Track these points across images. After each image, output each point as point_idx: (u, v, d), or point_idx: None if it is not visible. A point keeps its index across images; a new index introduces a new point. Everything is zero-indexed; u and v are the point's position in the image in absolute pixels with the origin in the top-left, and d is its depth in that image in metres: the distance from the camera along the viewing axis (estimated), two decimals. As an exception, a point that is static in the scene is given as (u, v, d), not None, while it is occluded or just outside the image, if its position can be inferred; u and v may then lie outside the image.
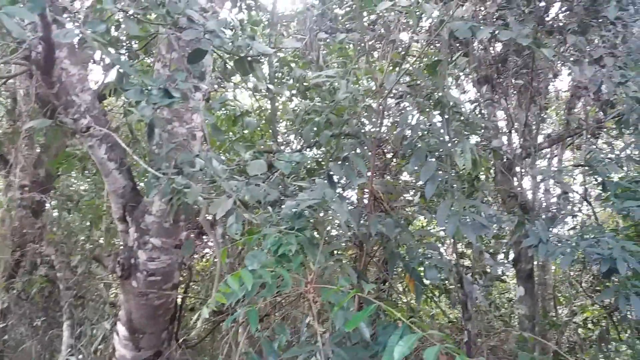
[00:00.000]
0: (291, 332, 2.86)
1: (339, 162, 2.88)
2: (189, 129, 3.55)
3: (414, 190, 4.04)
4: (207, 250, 5.35)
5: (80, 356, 4.31)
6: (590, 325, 4.36)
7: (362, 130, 3.26)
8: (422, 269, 2.87)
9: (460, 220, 2.43)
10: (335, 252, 3.07)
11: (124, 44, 4.47)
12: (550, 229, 2.82)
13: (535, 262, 4.29)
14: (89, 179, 5.38)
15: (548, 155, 5.45)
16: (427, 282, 3.08)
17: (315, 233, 2.52)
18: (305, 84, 3.86)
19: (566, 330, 4.36)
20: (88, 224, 5.02)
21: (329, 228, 2.42)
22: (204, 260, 5.30)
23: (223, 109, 4.19)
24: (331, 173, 2.83)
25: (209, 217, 3.54)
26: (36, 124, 3.29)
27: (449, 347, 1.78)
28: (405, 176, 4.75)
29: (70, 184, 5.58)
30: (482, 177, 4.04)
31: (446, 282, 4.54)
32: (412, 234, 2.93)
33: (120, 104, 4.91)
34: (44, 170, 5.39)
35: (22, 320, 4.70)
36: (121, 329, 3.65)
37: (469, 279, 3.07)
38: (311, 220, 2.38)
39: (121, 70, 2.64)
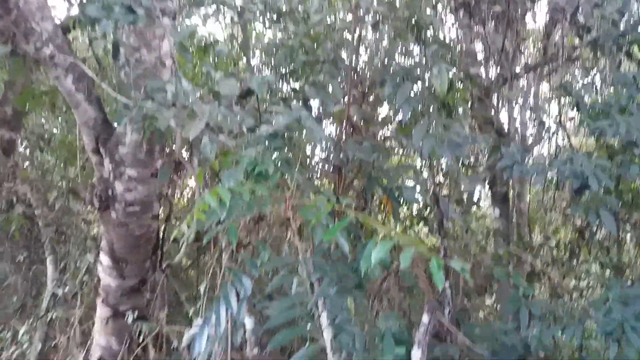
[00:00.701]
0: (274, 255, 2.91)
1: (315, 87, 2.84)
2: (157, 57, 3.44)
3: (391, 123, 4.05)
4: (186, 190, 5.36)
5: (67, 288, 4.38)
6: (562, 248, 4.59)
7: (338, 58, 3.20)
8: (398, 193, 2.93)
9: (436, 140, 2.46)
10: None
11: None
12: (526, 152, 2.87)
13: (511, 189, 4.42)
14: (59, 117, 5.23)
15: (525, 85, 5.47)
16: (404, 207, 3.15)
17: (291, 155, 2.52)
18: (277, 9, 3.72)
19: (540, 253, 4.58)
20: (62, 162, 4.93)
21: (306, 148, 2.42)
22: (185, 199, 5.32)
23: (193, 38, 4.04)
24: (307, 97, 2.80)
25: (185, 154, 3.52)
26: (-5, 51, 3.14)
27: (423, 251, 1.85)
28: (384, 109, 4.75)
29: (40, 123, 5.43)
30: (460, 106, 4.05)
31: (424, 211, 4.67)
32: (389, 156, 2.95)
33: (85, 36, 4.70)
34: (11, 108, 5.20)
35: (4, 257, 4.72)
36: (104, 258, 3.70)
37: (445, 199, 3.15)
38: (286, 142, 2.37)
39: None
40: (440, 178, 4.17)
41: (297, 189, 2.47)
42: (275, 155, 2.25)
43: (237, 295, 2.55)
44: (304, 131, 2.38)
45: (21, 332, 4.35)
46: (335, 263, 2.73)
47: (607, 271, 4.20)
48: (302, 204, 2.33)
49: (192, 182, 5.08)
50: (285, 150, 2.31)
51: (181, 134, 2.87)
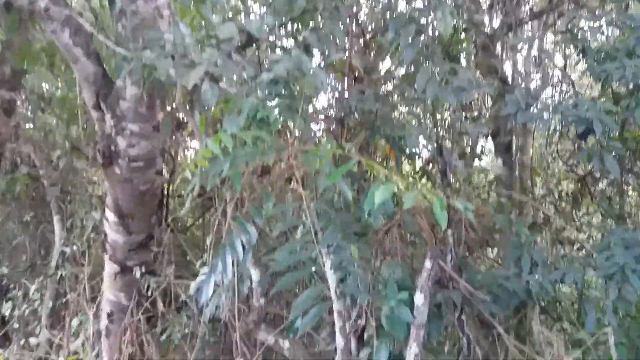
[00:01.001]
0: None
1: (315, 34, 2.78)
2: (155, 7, 3.37)
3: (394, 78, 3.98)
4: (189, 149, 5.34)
5: (75, 247, 4.44)
6: (565, 199, 4.60)
7: (339, 4, 3.11)
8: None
9: (440, 85, 2.42)
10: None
11: None
12: (530, 99, 2.83)
13: (514, 141, 4.38)
14: (59, 76, 5.17)
15: (529, 34, 5.32)
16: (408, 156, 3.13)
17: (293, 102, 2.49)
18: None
19: (542, 204, 4.59)
20: (64, 121, 4.91)
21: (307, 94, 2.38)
22: (188, 158, 5.30)
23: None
24: (308, 44, 2.75)
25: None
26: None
27: (427, 191, 1.85)
28: (386, 62, 4.67)
29: (40, 83, 5.37)
30: (463, 55, 3.97)
31: (427, 167, 4.66)
32: (392, 107, 2.92)
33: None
34: (9, 68, 5.14)
35: (11, 218, 4.77)
36: (110, 215, 3.73)
37: (448, 149, 3.14)
38: (288, 88, 2.34)
39: None
40: (443, 131, 4.14)
41: (300, 137, 2.46)
42: (276, 101, 2.23)
43: (243, 244, 2.59)
44: (306, 79, 2.34)
45: (32, 290, 4.44)
46: (339, 212, 2.75)
47: (609, 221, 4.21)
48: (304, 151, 2.32)
49: (195, 143, 5.08)
50: (287, 97, 2.28)
51: (181, 84, 2.85)
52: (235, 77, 2.36)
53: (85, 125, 4.86)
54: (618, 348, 2.57)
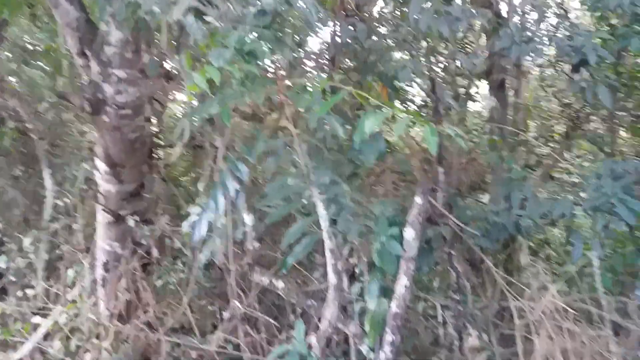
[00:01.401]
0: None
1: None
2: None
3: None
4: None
5: (67, 199, 4.43)
6: (558, 139, 4.59)
7: None
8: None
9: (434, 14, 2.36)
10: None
11: None
12: (525, 32, 2.77)
13: (507, 81, 4.31)
14: (41, 27, 5.01)
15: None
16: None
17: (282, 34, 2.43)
18: None
19: (535, 147, 4.59)
20: (49, 73, 4.79)
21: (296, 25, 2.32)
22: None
23: None
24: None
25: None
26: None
27: (417, 119, 1.84)
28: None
29: (22, 35, 5.21)
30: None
31: (421, 110, 4.59)
32: (385, 40, 2.85)
33: None
34: (-11, 19, 4.97)
35: (1, 174, 4.73)
36: (100, 165, 3.71)
37: (441, 84, 3.10)
38: (277, 20, 2.27)
39: None
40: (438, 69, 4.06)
41: (290, 73, 2.42)
42: (264, 33, 2.17)
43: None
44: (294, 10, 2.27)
45: (26, 243, 4.45)
46: (331, 152, 2.74)
47: (600, 158, 4.20)
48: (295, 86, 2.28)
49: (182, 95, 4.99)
50: (276, 29, 2.23)
51: (166, 25, 2.77)
52: (220, 10, 2.29)
53: (71, 76, 4.75)
54: (603, 279, 2.63)
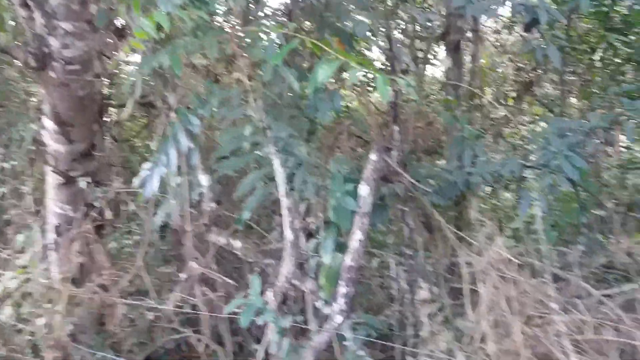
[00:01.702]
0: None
1: None
2: None
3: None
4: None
5: (15, 162, 4.24)
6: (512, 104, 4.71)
7: None
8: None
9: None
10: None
11: None
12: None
13: (465, 47, 4.37)
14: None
15: None
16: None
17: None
18: None
19: (490, 111, 4.70)
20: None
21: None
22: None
23: None
24: None
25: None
26: None
27: (371, 68, 1.84)
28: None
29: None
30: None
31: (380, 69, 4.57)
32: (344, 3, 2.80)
33: None
34: None
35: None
36: (49, 123, 3.55)
37: (398, 43, 3.10)
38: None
39: None
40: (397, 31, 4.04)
41: (244, 24, 2.36)
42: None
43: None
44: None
45: (-28, 209, 4.26)
46: (287, 107, 2.72)
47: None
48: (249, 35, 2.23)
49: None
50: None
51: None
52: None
53: (14, 30, 4.48)
54: (547, 233, 2.75)
